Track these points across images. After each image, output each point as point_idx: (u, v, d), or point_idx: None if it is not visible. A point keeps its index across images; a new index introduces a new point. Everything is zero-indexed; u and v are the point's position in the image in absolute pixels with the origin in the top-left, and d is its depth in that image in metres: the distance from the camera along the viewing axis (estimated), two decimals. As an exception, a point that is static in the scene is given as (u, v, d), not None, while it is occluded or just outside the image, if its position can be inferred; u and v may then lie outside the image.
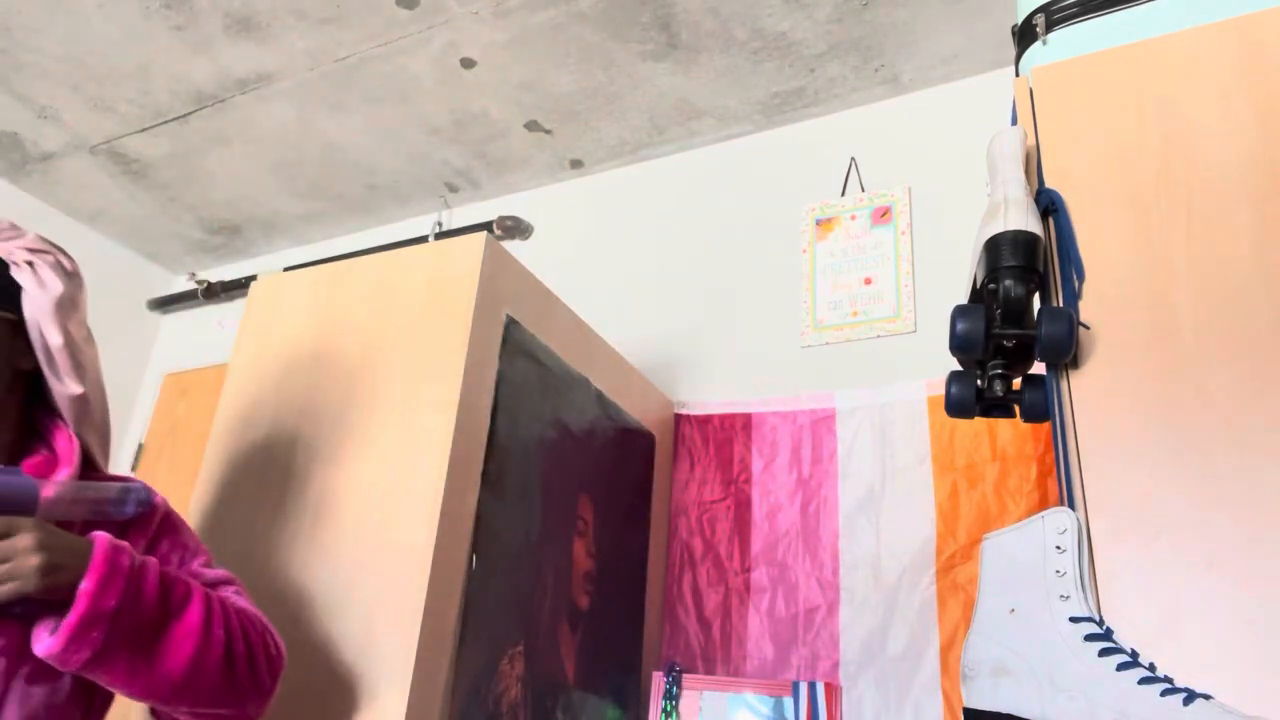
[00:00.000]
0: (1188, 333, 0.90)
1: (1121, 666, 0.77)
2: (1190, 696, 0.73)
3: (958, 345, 0.96)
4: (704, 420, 2.12)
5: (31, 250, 1.02)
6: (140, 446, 3.11)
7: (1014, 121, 1.14)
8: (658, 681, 1.66)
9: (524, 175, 2.77)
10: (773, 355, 2.16)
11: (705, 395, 2.17)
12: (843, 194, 2.26)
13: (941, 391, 1.11)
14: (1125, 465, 0.87)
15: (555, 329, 1.66)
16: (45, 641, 0.84)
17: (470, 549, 1.34)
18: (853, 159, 2.29)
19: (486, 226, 2.72)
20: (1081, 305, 0.95)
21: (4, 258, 1.01)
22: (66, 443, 1.00)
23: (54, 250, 1.05)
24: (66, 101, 2.55)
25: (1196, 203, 0.94)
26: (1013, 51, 1.27)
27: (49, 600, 0.84)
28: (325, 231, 3.14)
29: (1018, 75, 1.25)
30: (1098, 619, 0.81)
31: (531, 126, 2.56)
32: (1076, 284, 0.96)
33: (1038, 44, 1.20)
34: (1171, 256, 0.93)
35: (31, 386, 1.03)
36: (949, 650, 1.66)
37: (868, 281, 2.13)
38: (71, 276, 1.04)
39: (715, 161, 2.54)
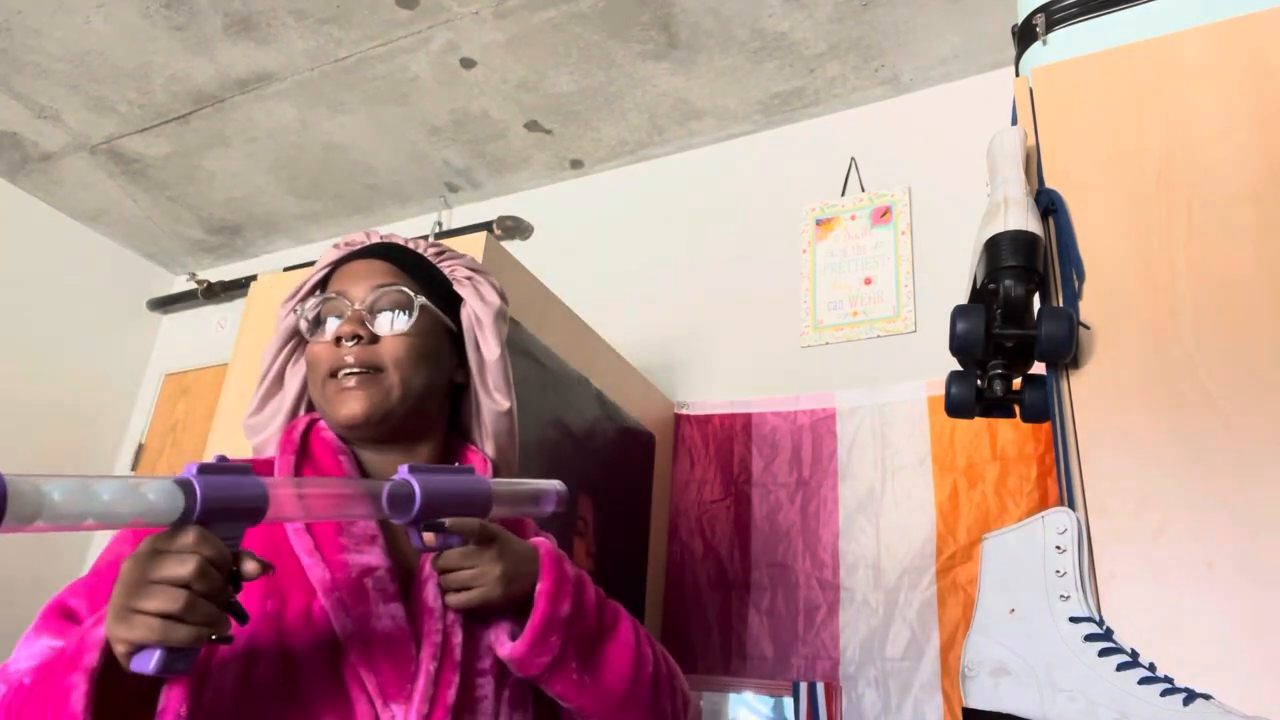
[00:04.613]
0: (1188, 333, 0.90)
1: (1121, 666, 0.77)
2: (1190, 696, 0.73)
3: (958, 345, 0.96)
4: (704, 420, 2.12)
5: (470, 269, 1.02)
6: (140, 446, 3.12)
7: (1014, 121, 1.14)
8: (658, 681, 1.65)
9: (524, 175, 2.77)
10: (773, 355, 2.16)
11: (705, 395, 2.17)
12: (843, 194, 2.26)
13: (941, 391, 1.10)
14: (1125, 465, 0.87)
15: (555, 329, 1.66)
16: (509, 645, 0.84)
17: (470, 549, 1.33)
18: (853, 159, 2.29)
19: (486, 226, 2.72)
20: (1081, 305, 0.95)
21: (446, 274, 1.00)
22: (481, 463, 0.97)
23: (488, 272, 1.04)
24: (66, 101, 2.55)
25: (1196, 202, 0.94)
26: (1013, 51, 1.27)
27: (501, 606, 0.84)
28: (325, 231, 3.14)
29: (1018, 75, 1.24)
30: (1098, 619, 0.81)
31: (531, 126, 2.56)
32: (1076, 284, 0.96)
33: (1038, 44, 1.20)
34: (1171, 256, 0.93)
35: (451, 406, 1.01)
36: (949, 650, 1.66)
37: (868, 281, 2.13)
38: (503, 296, 1.02)
39: (715, 161, 2.54)
